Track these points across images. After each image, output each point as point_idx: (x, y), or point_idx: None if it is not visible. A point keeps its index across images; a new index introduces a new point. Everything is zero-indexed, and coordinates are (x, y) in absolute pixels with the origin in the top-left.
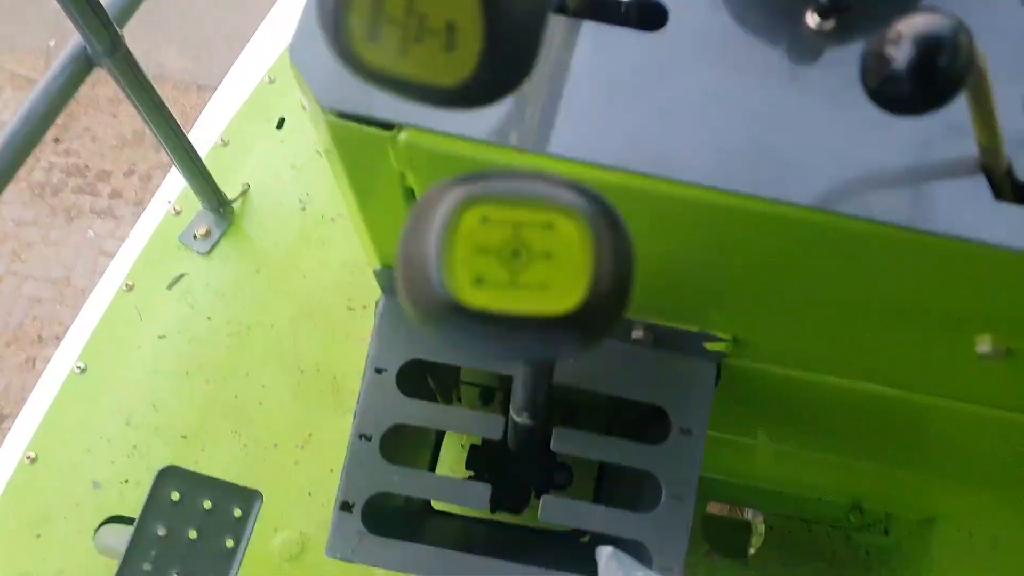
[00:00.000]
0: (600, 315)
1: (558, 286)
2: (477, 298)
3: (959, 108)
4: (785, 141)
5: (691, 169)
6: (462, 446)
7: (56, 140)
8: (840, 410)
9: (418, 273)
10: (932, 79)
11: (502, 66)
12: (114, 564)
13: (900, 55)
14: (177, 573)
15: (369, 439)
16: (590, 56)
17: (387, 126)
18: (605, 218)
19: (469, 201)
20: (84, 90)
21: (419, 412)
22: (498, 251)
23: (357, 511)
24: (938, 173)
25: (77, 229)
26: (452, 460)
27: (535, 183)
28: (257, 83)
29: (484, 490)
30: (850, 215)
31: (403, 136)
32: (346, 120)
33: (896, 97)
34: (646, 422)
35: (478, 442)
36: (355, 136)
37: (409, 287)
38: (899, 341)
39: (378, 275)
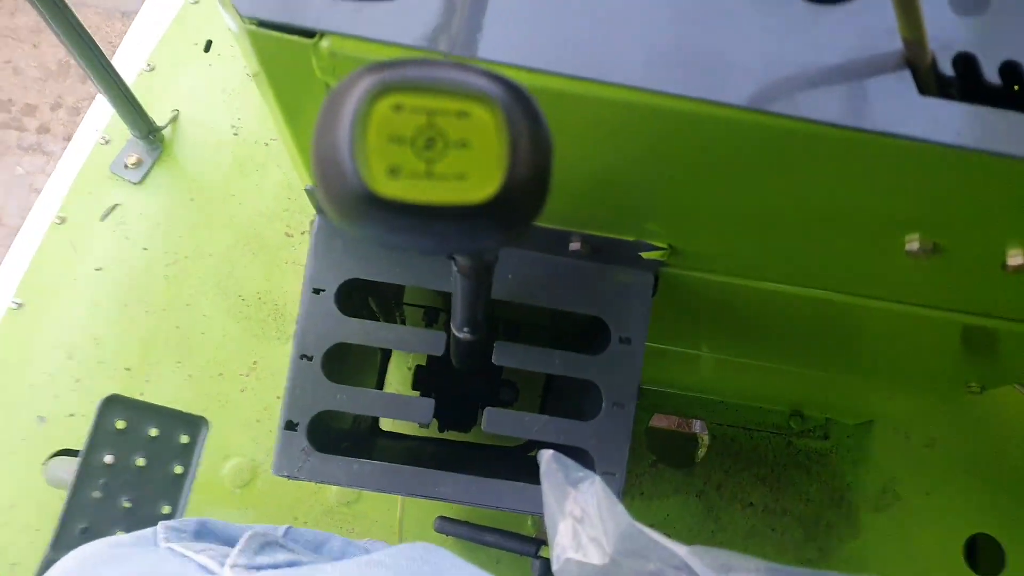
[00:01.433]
0: (519, 203)
1: (474, 175)
2: (393, 189)
3: (885, 4)
4: (715, 40)
5: (621, 70)
6: (408, 368)
7: None
8: (777, 316)
9: (332, 166)
10: None
11: None
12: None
13: None
14: (128, 500)
15: (310, 359)
16: None
17: (308, 34)
18: (520, 105)
19: (381, 89)
20: (2, 20)
21: (359, 330)
22: (412, 140)
23: (302, 429)
24: (864, 71)
25: (5, 166)
26: (398, 383)
27: (449, 70)
28: (181, 4)
29: (428, 404)
30: (780, 114)
31: (325, 43)
32: (266, 29)
33: None
34: (588, 336)
35: (424, 363)
36: (277, 46)
37: (324, 181)
38: (831, 243)
39: (310, 193)
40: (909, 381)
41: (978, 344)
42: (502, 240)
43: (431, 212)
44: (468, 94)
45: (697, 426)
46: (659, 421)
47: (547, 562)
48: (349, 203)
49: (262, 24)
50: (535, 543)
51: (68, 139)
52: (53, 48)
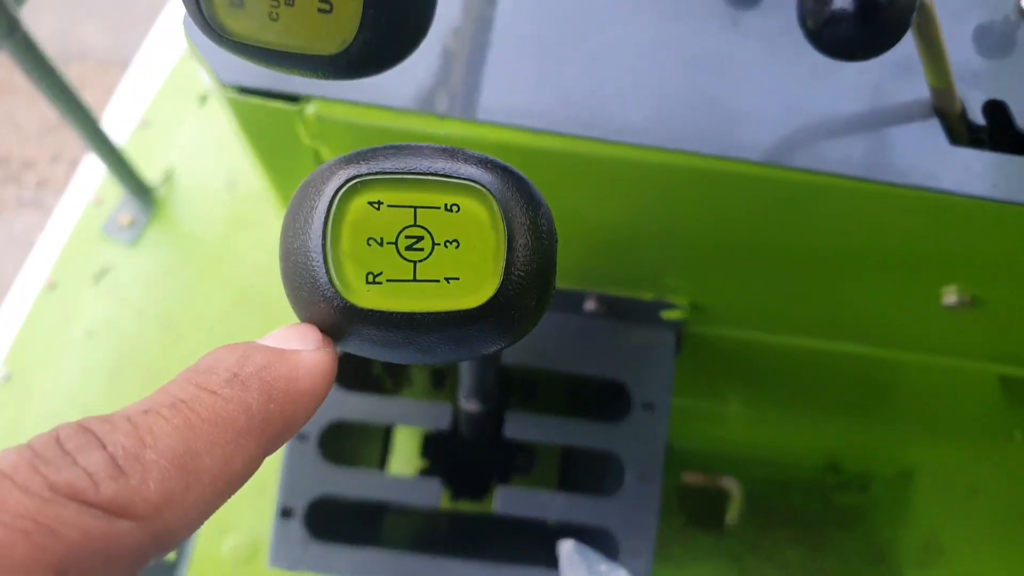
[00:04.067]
0: (519, 304)
1: (468, 276)
2: (372, 298)
3: (910, 48)
4: (728, 92)
5: (630, 127)
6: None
7: None
8: (808, 370)
9: (301, 274)
10: (876, 18)
11: (388, 28)
12: None
13: None
14: None
15: (306, 439)
16: (515, 7)
17: (292, 99)
18: (516, 192)
19: (356, 184)
20: (0, 74)
21: (358, 406)
22: (394, 240)
23: (299, 517)
24: (891, 119)
25: (4, 222)
26: (409, 450)
27: (432, 158)
28: (179, 58)
29: (434, 487)
30: (802, 168)
31: (311, 108)
32: (248, 96)
33: (838, 40)
34: (608, 397)
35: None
36: (261, 113)
37: (294, 290)
38: (863, 298)
39: None
40: (950, 430)
41: (1021, 394)
42: (501, 346)
43: (418, 322)
44: (456, 185)
45: (728, 483)
46: (689, 478)
47: None
48: (322, 315)
49: (243, 91)
50: None
51: None
52: None
